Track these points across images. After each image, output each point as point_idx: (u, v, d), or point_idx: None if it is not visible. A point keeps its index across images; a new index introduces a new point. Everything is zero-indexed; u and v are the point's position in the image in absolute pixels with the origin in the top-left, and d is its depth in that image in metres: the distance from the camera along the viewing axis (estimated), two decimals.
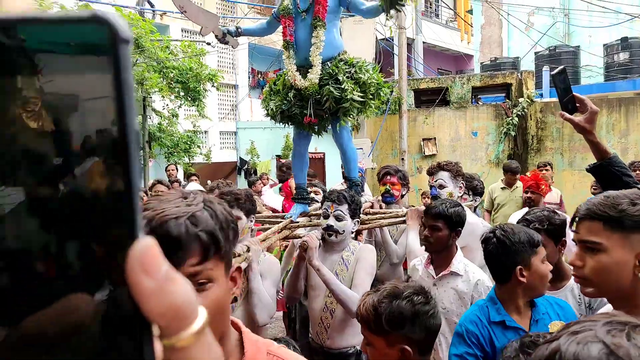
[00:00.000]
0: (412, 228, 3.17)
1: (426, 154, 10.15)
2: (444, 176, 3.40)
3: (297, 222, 3.51)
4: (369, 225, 3.45)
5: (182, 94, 9.68)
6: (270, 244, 3.16)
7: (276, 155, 13.28)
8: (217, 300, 0.91)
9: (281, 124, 3.66)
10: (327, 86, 3.38)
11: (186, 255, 0.87)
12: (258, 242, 2.70)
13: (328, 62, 3.43)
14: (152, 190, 5.75)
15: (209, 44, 10.07)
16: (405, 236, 3.40)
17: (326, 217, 2.87)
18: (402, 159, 9.62)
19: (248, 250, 2.58)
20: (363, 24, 9.68)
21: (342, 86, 3.36)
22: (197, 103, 9.87)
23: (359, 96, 3.35)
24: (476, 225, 3.12)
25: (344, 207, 2.84)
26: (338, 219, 2.83)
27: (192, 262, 0.87)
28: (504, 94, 10.17)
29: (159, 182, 5.85)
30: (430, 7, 18.96)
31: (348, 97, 3.33)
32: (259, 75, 16.30)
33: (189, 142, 10.80)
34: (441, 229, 2.57)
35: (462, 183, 3.50)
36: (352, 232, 2.98)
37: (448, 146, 10.14)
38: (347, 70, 3.45)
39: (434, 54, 18.42)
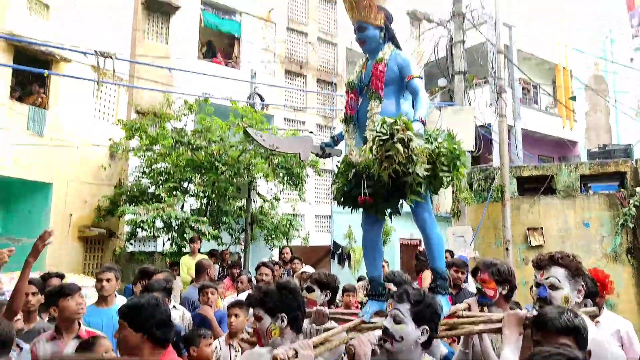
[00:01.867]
0: (509, 340, 2.31)
1: (532, 244, 9.57)
2: (557, 273, 2.53)
3: (371, 323, 2.94)
4: (456, 331, 2.79)
5: (285, 179, 10.14)
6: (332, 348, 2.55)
7: None
8: None
9: (345, 207, 3.32)
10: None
11: None
12: (310, 346, 2.22)
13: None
14: (258, 272, 5.88)
15: (311, 132, 10.62)
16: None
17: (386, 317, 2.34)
18: (507, 249, 9.15)
19: (296, 355, 2.14)
20: (462, 111, 9.75)
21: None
22: (299, 188, 10.27)
23: (425, 169, 2.91)
24: (602, 345, 2.27)
25: (404, 307, 2.25)
26: (395, 320, 2.25)
27: None
28: (617, 183, 9.51)
29: (264, 264, 5.98)
30: (528, 94, 18.76)
31: (409, 170, 2.88)
32: None
33: (288, 225, 11.11)
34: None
35: (582, 284, 2.60)
36: (418, 343, 2.29)
37: (556, 237, 9.51)
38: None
39: (534, 139, 17.89)
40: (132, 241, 10.10)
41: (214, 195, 10.23)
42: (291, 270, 8.13)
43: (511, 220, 9.33)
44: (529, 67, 17.85)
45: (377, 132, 2.81)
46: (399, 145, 2.72)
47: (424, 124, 2.95)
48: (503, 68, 9.75)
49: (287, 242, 10.95)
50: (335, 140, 3.60)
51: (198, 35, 13.57)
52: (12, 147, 9.10)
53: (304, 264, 7.98)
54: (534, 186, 9.99)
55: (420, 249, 7.96)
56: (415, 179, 2.88)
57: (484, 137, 11.78)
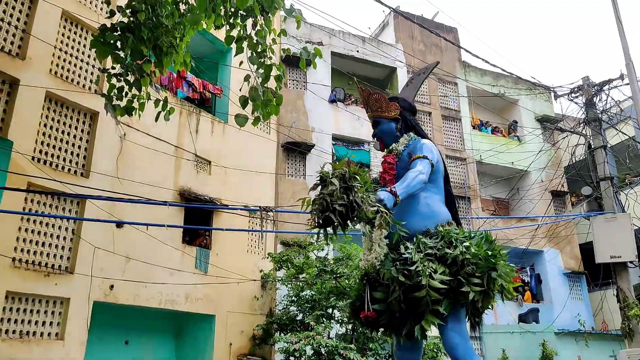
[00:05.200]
0: None
1: None
2: None
3: None
4: None
5: None
6: None
7: None
8: None
9: (362, 327, 2.94)
10: (391, 268, 2.51)
11: None
12: None
13: (419, 236, 2.67)
14: None
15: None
16: None
17: None
18: None
19: None
20: (616, 219, 9.03)
21: (414, 267, 2.45)
22: None
23: (442, 281, 2.40)
24: None
25: None
26: None
27: None
28: None
29: None
30: None
31: (422, 282, 2.40)
32: None
33: (435, 350, 10.67)
34: None
35: None
36: None
37: None
38: (430, 245, 2.57)
39: None
40: None
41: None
42: None
43: None
44: None
45: (318, 173, 2.49)
46: (335, 181, 2.34)
47: (394, 194, 2.50)
48: None
49: None
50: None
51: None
52: (183, 286, 10.41)
53: None
54: None
55: None
56: (430, 294, 2.40)
57: None
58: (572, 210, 16.00)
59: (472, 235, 2.67)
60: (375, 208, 2.39)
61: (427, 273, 2.40)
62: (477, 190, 15.80)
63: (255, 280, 11.17)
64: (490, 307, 2.65)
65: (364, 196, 2.36)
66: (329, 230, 2.45)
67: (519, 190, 15.34)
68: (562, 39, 69.68)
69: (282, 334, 10.56)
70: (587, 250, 14.85)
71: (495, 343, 12.84)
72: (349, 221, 2.38)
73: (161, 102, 6.24)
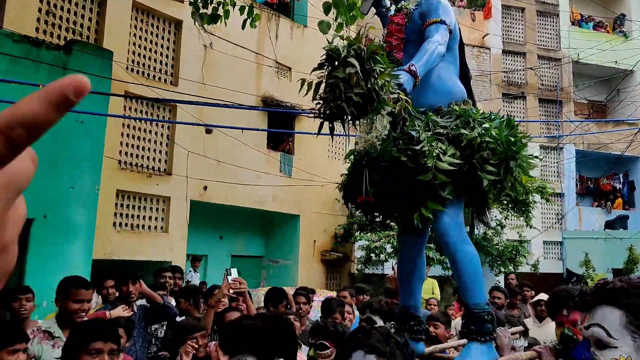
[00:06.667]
0: None
1: None
2: (608, 317, 1.22)
3: None
4: None
5: (510, 205, 9.98)
6: None
7: (613, 269, 11.86)
8: None
9: (357, 211, 2.70)
10: (392, 148, 2.18)
11: None
12: None
13: (429, 114, 2.33)
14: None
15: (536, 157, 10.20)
16: None
17: None
18: None
19: None
20: None
21: (420, 147, 2.11)
22: (525, 214, 9.98)
23: (451, 163, 2.07)
24: None
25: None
26: None
27: None
28: None
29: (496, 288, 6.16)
30: None
31: (427, 163, 2.07)
32: (588, 182, 15.25)
33: (514, 252, 10.82)
34: None
35: None
36: None
37: None
38: (442, 124, 2.23)
39: None
40: (366, 264, 11.17)
41: None
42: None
43: None
44: None
45: (327, 50, 2.04)
46: (354, 62, 1.88)
47: (413, 75, 2.15)
48: None
49: (513, 268, 10.66)
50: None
51: None
52: (270, 187, 11.08)
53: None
54: None
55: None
56: (437, 177, 2.08)
57: None
58: None
59: (492, 117, 2.35)
60: (396, 95, 2.01)
61: (435, 154, 2.09)
62: (571, 93, 14.73)
63: (337, 183, 11.60)
64: (494, 205, 2.41)
65: (386, 83, 1.96)
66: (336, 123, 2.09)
67: (619, 92, 14.10)
68: None
69: (362, 233, 11.14)
70: None
71: (578, 248, 12.68)
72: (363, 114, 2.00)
73: (246, 9, 6.29)
